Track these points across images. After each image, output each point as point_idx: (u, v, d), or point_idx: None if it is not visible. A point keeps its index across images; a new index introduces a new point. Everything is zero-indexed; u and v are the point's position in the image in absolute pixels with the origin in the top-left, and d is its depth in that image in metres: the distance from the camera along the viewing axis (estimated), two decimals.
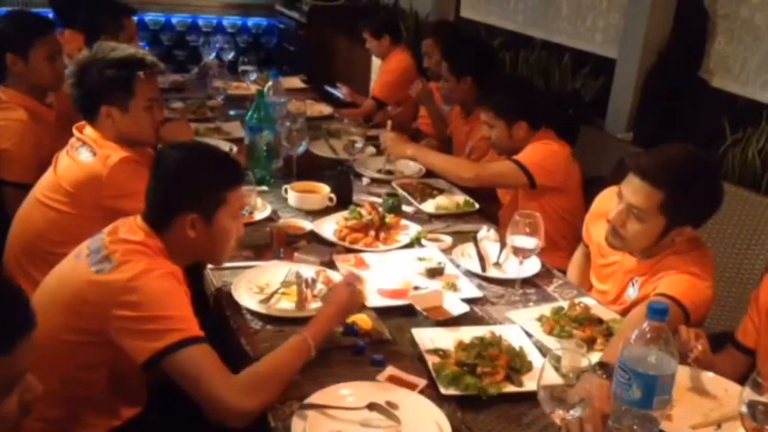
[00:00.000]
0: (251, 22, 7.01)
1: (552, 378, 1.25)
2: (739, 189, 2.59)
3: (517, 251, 2.01)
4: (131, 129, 2.15)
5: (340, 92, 4.62)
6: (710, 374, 1.61)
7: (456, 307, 1.87)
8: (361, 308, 1.78)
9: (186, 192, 1.63)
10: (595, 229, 2.15)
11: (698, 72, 3.23)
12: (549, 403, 1.25)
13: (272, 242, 2.11)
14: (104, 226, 1.70)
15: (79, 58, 2.16)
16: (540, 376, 1.27)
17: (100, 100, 2.11)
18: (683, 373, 1.61)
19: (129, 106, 2.12)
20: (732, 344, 1.83)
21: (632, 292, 1.95)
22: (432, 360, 1.62)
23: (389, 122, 3.06)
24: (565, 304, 1.93)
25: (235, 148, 2.89)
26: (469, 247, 2.26)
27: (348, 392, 1.45)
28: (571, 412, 1.24)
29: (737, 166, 2.77)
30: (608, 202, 2.06)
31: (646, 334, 1.17)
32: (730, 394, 1.53)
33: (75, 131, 2.18)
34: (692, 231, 1.87)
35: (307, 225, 2.29)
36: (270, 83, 3.09)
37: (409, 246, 2.27)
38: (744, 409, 1.27)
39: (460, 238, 2.34)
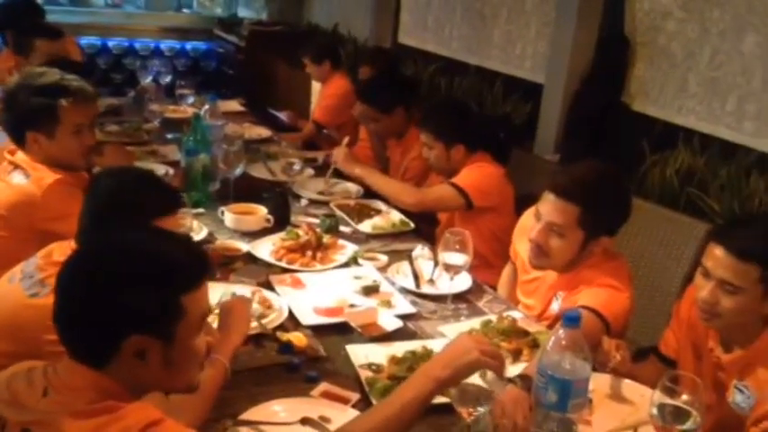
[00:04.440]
0: (189, 46, 7.00)
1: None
2: (658, 207, 2.73)
3: (448, 267, 2.07)
4: (59, 154, 2.14)
5: (283, 115, 4.67)
6: (628, 381, 1.70)
7: (390, 323, 1.92)
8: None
9: (120, 218, 1.57)
10: (521, 246, 2.24)
11: (620, 96, 3.41)
12: (458, 400, 1.34)
13: None
14: (38, 249, 1.68)
15: (9, 82, 2.16)
16: None
17: (25, 126, 2.10)
18: (602, 381, 1.70)
19: (54, 132, 2.12)
20: (654, 354, 1.92)
21: (556, 306, 2.03)
22: (365, 374, 1.66)
23: (346, 138, 3.13)
24: (494, 318, 2.01)
25: (171, 171, 2.90)
26: (404, 265, 2.32)
27: (280, 408, 1.48)
28: (479, 409, 1.31)
29: (657, 186, 2.93)
30: (531, 219, 2.15)
31: (561, 341, 1.25)
32: (646, 399, 1.61)
33: (6, 155, 2.16)
34: (609, 242, 1.97)
35: (243, 246, 2.31)
36: (206, 106, 3.11)
37: (346, 265, 2.31)
38: (654, 411, 1.36)
39: (396, 256, 2.40)
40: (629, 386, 1.69)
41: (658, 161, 3.02)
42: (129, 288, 1.08)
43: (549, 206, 1.91)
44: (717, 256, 1.60)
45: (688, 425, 1.32)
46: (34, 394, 1.10)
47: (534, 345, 1.86)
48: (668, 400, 1.34)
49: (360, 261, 2.34)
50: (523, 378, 1.53)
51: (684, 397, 1.33)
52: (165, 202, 1.65)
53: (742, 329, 1.65)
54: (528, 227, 2.12)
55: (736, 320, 1.63)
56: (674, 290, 2.54)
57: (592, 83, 3.48)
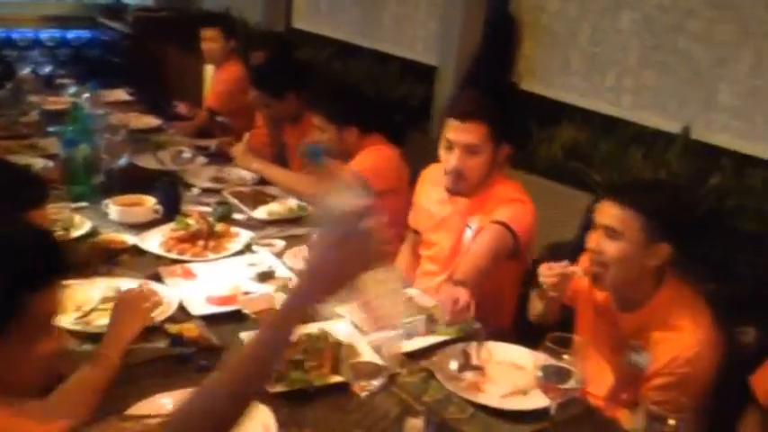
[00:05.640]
0: (71, 34, 6.67)
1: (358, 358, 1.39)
2: (545, 181, 2.84)
3: None
4: None
5: (179, 107, 4.50)
6: (518, 348, 1.76)
7: None
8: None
9: None
10: (423, 197, 2.39)
11: (509, 76, 3.50)
12: (352, 377, 1.37)
13: (90, 259, 2.03)
14: None
15: None
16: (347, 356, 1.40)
17: None
18: (496, 349, 1.75)
19: None
20: None
21: (470, 233, 2.18)
22: None
23: (247, 134, 3.06)
24: None
25: (51, 164, 2.76)
26: (302, 250, 2.30)
27: (168, 401, 1.43)
28: (372, 383, 1.33)
29: (544, 161, 3.04)
30: (434, 171, 2.33)
31: None
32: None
33: None
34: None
35: (130, 239, 2.22)
36: (86, 94, 2.96)
37: (240, 253, 2.26)
38: (539, 373, 1.41)
39: (294, 241, 2.37)
40: (519, 352, 1.74)
41: (545, 138, 3.13)
42: None
43: (459, 130, 2.11)
44: (604, 207, 1.72)
45: (570, 383, 1.38)
46: None
47: (430, 319, 1.88)
48: (552, 361, 1.39)
49: (255, 248, 2.30)
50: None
51: (566, 357, 1.38)
52: (28, 194, 1.55)
53: (633, 289, 1.74)
54: (431, 178, 2.34)
55: (622, 272, 1.71)
56: (561, 259, 2.63)
57: (482, 63, 3.55)
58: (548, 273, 1.79)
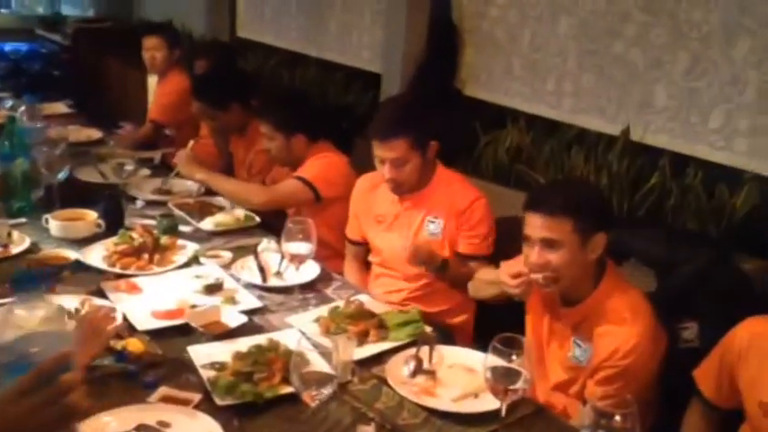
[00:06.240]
0: (8, 47, 6.49)
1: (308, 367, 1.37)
2: (491, 185, 2.86)
3: (293, 257, 2.05)
4: None
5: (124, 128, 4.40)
6: (470, 351, 1.77)
7: (234, 319, 1.88)
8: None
9: None
10: (365, 203, 2.47)
11: (453, 82, 3.53)
12: (301, 387, 1.36)
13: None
14: None
15: None
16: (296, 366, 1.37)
17: None
18: (447, 353, 1.76)
19: None
20: None
21: (435, 228, 2.31)
22: (207, 374, 1.61)
23: (192, 142, 3.01)
24: (341, 303, 2.01)
25: None
26: (250, 260, 2.28)
27: (111, 419, 1.40)
28: (322, 391, 1.32)
29: (490, 165, 3.08)
30: (370, 179, 2.46)
31: None
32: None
33: None
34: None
35: (72, 254, 2.16)
36: (23, 108, 2.88)
37: (186, 265, 2.23)
38: (488, 374, 1.42)
39: (243, 252, 2.35)
40: (470, 355, 1.76)
41: (490, 141, 3.17)
42: None
43: (383, 149, 2.24)
44: (532, 221, 1.73)
45: (519, 384, 1.39)
46: None
47: (381, 325, 1.89)
48: (499, 362, 1.40)
49: (201, 260, 2.26)
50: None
51: (514, 358, 1.40)
52: None
53: (578, 286, 1.77)
54: (368, 187, 2.47)
55: (571, 275, 1.73)
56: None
57: (426, 70, 3.58)
58: (512, 282, 1.78)
